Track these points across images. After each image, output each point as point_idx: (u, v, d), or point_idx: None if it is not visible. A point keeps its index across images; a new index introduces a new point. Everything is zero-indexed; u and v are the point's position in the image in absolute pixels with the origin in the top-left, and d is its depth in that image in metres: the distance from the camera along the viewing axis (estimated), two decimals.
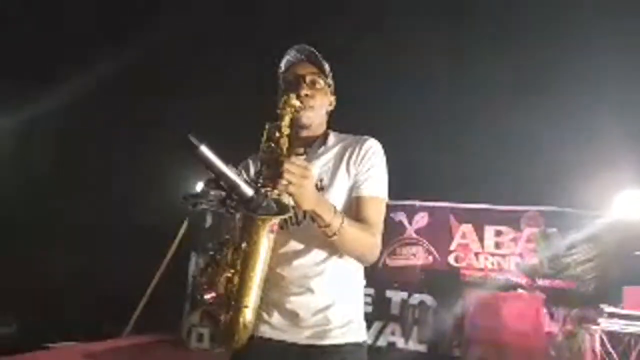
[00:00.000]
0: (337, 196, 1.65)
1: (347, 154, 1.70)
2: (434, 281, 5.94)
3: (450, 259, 6.09)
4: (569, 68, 5.41)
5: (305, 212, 1.57)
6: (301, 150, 1.72)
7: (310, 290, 1.62)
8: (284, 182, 1.35)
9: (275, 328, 1.62)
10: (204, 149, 1.23)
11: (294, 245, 1.63)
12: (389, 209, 5.44)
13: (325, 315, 1.61)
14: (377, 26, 5.53)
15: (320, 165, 1.69)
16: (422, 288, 5.91)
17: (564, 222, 5.82)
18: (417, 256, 6.17)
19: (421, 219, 6.23)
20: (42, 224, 6.02)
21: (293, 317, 1.61)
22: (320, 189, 1.65)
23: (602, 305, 4.90)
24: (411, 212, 6.25)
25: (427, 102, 5.79)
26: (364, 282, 1.75)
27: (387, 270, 6.10)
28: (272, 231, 1.37)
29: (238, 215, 1.38)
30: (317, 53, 1.72)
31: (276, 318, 1.62)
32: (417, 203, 6.24)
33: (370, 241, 1.61)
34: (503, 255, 5.98)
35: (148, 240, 5.85)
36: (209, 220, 6.37)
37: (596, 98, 5.31)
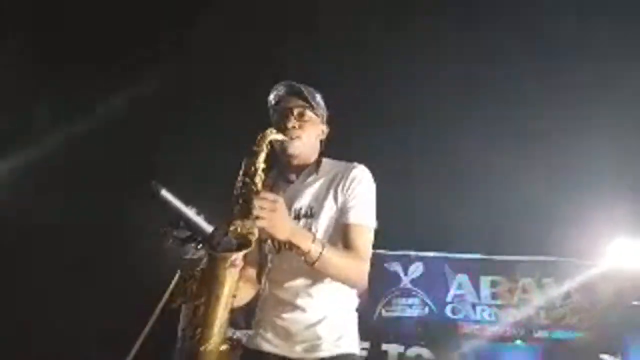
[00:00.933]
0: (326, 223, 1.73)
1: (335, 181, 1.77)
2: (431, 334, 5.83)
3: (447, 311, 6.00)
4: (561, 119, 5.51)
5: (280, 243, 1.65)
6: (293, 177, 1.82)
7: (300, 308, 1.70)
8: (253, 216, 1.41)
9: (271, 343, 1.72)
10: (164, 193, 1.34)
11: (287, 266, 1.72)
12: (384, 259, 5.39)
13: (315, 331, 1.68)
14: (376, 80, 5.63)
15: (310, 193, 1.78)
16: (419, 341, 5.80)
17: (560, 271, 5.80)
18: (413, 307, 6.08)
19: (416, 269, 6.17)
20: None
21: (286, 333, 1.70)
22: (310, 216, 1.74)
23: (602, 356, 4.82)
24: (406, 263, 6.19)
25: (422, 153, 5.85)
26: (356, 300, 1.81)
27: (382, 321, 5.99)
28: (234, 265, 1.41)
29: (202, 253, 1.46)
30: (304, 87, 1.81)
31: (271, 334, 1.72)
32: (412, 253, 6.20)
33: (354, 267, 1.67)
34: (500, 306, 5.90)
35: (138, 293, 5.75)
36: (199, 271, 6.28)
37: (589, 148, 5.39)
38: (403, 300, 6.10)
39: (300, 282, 1.72)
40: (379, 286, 5.91)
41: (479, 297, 5.97)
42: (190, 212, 1.34)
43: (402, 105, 5.28)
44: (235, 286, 1.45)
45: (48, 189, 5.88)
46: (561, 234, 5.54)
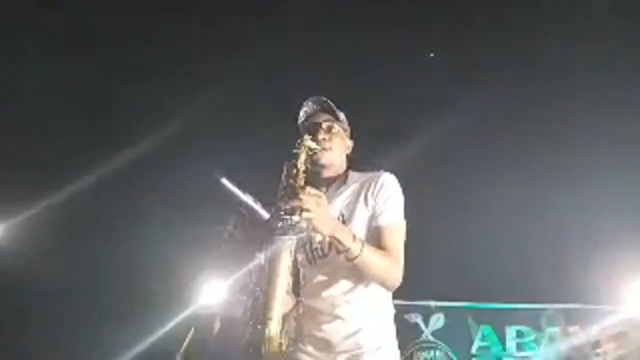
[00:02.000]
0: (358, 228, 1.76)
1: (364, 188, 1.83)
2: None
3: None
4: (582, 165, 5.48)
5: (330, 245, 1.71)
6: (323, 189, 1.86)
7: (339, 317, 1.73)
8: (300, 208, 1.49)
9: (312, 356, 1.74)
10: (226, 182, 1.41)
11: (322, 277, 1.77)
12: (404, 310, 5.23)
13: (355, 340, 1.70)
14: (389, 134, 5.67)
15: (340, 201, 1.84)
16: None
17: (586, 319, 5.59)
18: None
19: (438, 321, 5.98)
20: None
21: (326, 344, 1.73)
22: (342, 222, 1.77)
23: None
24: (427, 314, 6.00)
25: (441, 201, 5.80)
26: (393, 311, 1.85)
27: None
28: (291, 252, 1.51)
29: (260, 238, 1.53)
30: (331, 103, 1.91)
31: (311, 347, 1.74)
32: (433, 303, 6.02)
33: (391, 266, 1.71)
34: (527, 358, 5.67)
35: (153, 348, 5.65)
36: (217, 326, 6.17)
37: (614, 193, 5.34)
38: (425, 354, 5.87)
39: (336, 291, 1.75)
40: (399, 339, 5.70)
41: (504, 348, 5.75)
42: (250, 200, 1.46)
43: (420, 153, 5.28)
44: (289, 269, 1.52)
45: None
46: (585, 280, 5.42)
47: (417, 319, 5.99)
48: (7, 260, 5.79)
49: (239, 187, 1.34)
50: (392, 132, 5.67)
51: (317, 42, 5.61)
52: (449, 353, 5.83)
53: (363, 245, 1.63)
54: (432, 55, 5.77)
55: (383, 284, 1.75)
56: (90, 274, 6.00)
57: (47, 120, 5.97)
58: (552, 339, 5.70)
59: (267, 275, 1.51)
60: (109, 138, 6.07)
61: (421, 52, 5.79)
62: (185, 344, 5.97)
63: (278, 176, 1.70)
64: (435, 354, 5.84)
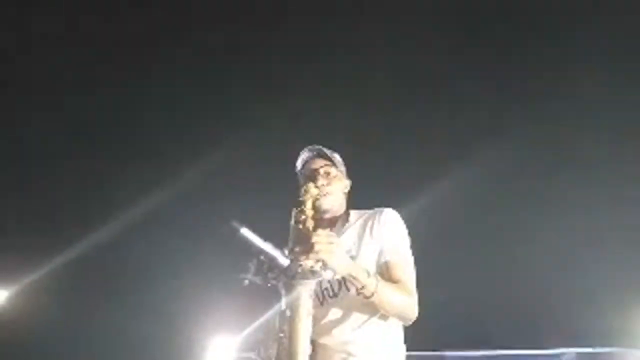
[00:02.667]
0: (366, 264, 1.75)
1: (369, 224, 1.86)
2: None
3: None
4: (597, 208, 5.48)
5: (340, 284, 1.74)
6: (327, 230, 1.84)
7: (351, 354, 1.71)
8: (314, 251, 1.50)
9: None
10: (245, 231, 1.46)
11: (333, 315, 1.76)
12: None
13: None
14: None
15: (346, 239, 1.84)
16: None
17: None
18: None
19: None
20: None
21: None
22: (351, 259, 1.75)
23: None
24: None
25: (449, 246, 5.78)
26: (404, 347, 1.83)
27: None
28: (311, 296, 1.50)
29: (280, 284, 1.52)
30: (325, 149, 1.99)
31: None
32: (448, 354, 5.89)
33: (407, 299, 1.72)
34: None
35: None
36: None
37: (630, 235, 5.32)
38: None
39: (347, 328, 1.74)
40: None
41: None
42: (269, 248, 1.50)
43: (431, 199, 5.31)
44: (310, 315, 1.51)
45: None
46: (601, 323, 5.32)
47: None
48: (10, 326, 5.73)
49: (259, 235, 1.35)
50: (403, 179, 5.72)
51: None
52: None
53: (378, 281, 1.64)
54: None
55: (401, 317, 1.77)
56: (95, 336, 5.92)
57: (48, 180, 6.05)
58: None
59: (290, 320, 1.50)
60: (110, 197, 6.14)
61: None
62: None
63: (286, 226, 1.72)
64: None
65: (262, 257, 1.49)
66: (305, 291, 1.50)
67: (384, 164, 5.86)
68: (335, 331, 1.75)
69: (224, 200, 5.88)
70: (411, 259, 1.84)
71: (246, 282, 1.51)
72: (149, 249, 6.11)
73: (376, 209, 1.92)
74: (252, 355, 6.26)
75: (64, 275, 5.66)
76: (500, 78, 5.69)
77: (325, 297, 1.80)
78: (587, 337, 5.59)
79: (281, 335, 1.52)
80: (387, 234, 1.83)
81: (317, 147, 2.00)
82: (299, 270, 1.50)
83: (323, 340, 1.75)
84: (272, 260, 1.50)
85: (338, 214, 1.97)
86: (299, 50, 5.89)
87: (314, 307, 1.72)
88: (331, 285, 1.79)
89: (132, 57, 5.82)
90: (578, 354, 5.62)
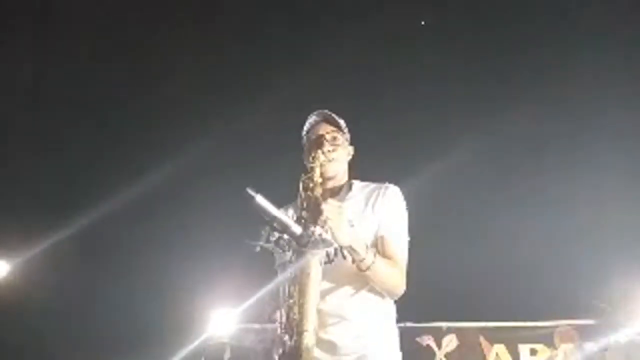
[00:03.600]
0: (364, 236, 1.77)
1: (372, 198, 1.88)
2: None
3: None
4: (590, 180, 5.50)
5: (336, 250, 1.75)
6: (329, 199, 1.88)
7: (345, 318, 1.74)
8: (323, 219, 1.54)
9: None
10: (260, 199, 1.48)
11: (328, 282, 1.75)
12: (415, 332, 5.18)
13: (363, 342, 1.72)
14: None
15: (347, 210, 1.81)
16: None
17: (600, 334, 5.51)
18: None
19: (450, 342, 5.90)
20: None
21: (332, 347, 1.72)
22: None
23: None
24: (439, 335, 5.92)
25: (448, 220, 5.81)
26: (395, 316, 1.87)
27: None
28: (320, 263, 1.56)
29: (290, 253, 1.58)
30: (332, 114, 1.99)
31: (317, 352, 1.65)
32: (444, 325, 5.95)
33: (398, 276, 1.78)
34: None
35: None
36: (227, 355, 6.12)
37: (625, 207, 5.34)
38: None
39: (342, 294, 1.77)
40: None
41: None
42: (282, 216, 1.52)
43: (429, 173, 5.31)
44: (319, 282, 1.57)
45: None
46: (598, 295, 5.37)
47: (429, 341, 5.92)
48: (11, 297, 5.79)
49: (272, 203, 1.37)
50: (401, 152, 5.72)
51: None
52: None
53: (375, 256, 1.69)
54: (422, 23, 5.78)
55: (389, 292, 1.81)
56: (96, 307, 5.99)
57: (50, 150, 6.05)
58: (567, 356, 5.61)
59: (300, 287, 1.54)
60: (114, 167, 6.14)
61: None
62: None
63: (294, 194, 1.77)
64: None
65: (275, 225, 1.51)
66: (316, 259, 1.55)
67: (383, 136, 5.85)
68: (329, 296, 1.76)
69: (225, 174, 5.90)
70: (406, 238, 1.88)
71: (258, 248, 1.53)
72: (150, 223, 6.15)
73: (380, 184, 1.94)
74: (255, 325, 6.37)
75: (64, 250, 5.71)
76: (495, 57, 5.68)
77: (320, 262, 1.77)
78: (580, 309, 5.65)
79: (291, 301, 1.56)
80: (388, 210, 1.86)
81: (324, 111, 2.00)
82: (311, 239, 1.51)
83: (319, 304, 1.70)
84: (285, 228, 1.52)
85: (341, 181, 1.98)
86: (305, 16, 5.84)
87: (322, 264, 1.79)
88: (327, 252, 1.78)
89: (136, 28, 5.77)
90: (571, 325, 5.71)
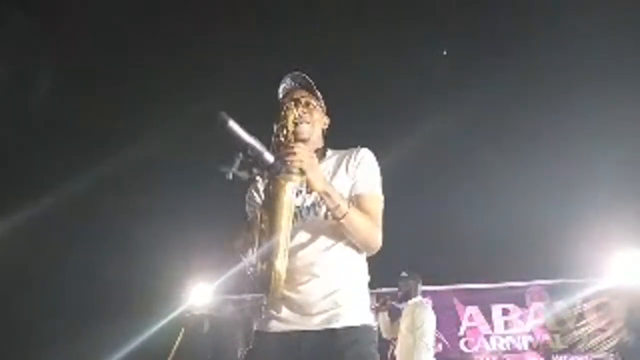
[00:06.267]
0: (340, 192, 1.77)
1: (344, 160, 1.86)
2: None
3: (461, 345, 5.85)
4: (558, 142, 5.57)
5: (308, 209, 1.76)
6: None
7: (316, 275, 1.70)
8: (296, 157, 1.53)
9: (285, 321, 1.69)
10: (233, 124, 1.44)
11: (299, 239, 1.73)
12: (390, 296, 5.18)
13: (333, 299, 1.68)
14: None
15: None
16: None
17: (569, 293, 5.71)
18: None
19: None
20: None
21: (303, 306, 1.68)
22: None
23: None
24: None
25: (421, 184, 5.86)
26: (368, 277, 1.83)
27: None
28: (293, 192, 1.57)
29: (260, 181, 1.59)
30: (309, 79, 1.94)
31: (285, 312, 1.70)
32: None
33: (373, 228, 1.75)
34: (514, 335, 5.77)
35: (142, 349, 5.63)
36: (206, 326, 6.18)
37: (589, 168, 5.41)
38: None
39: (313, 251, 1.73)
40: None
41: (491, 327, 5.84)
42: (255, 142, 1.49)
43: (403, 140, 5.31)
44: (291, 211, 1.58)
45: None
46: (565, 255, 5.50)
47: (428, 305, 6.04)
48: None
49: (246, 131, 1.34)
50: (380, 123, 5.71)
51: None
52: (439, 336, 5.91)
53: (349, 205, 1.67)
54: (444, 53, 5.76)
55: (366, 245, 1.77)
56: (78, 276, 5.94)
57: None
58: (537, 315, 5.80)
59: (271, 212, 1.54)
60: (94, 139, 6.02)
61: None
62: (175, 345, 5.96)
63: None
64: None
65: (248, 152, 1.47)
66: (290, 187, 1.55)
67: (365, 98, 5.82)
68: (300, 253, 1.72)
69: (205, 148, 5.82)
70: (381, 197, 1.84)
71: (230, 176, 1.47)
72: (130, 196, 6.08)
73: (352, 148, 1.91)
74: (233, 296, 6.42)
75: (45, 223, 5.62)
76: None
77: (292, 221, 1.74)
78: (549, 269, 5.81)
79: (263, 226, 1.57)
80: (361, 171, 1.83)
81: (300, 75, 1.94)
82: (283, 169, 1.51)
83: (291, 263, 1.69)
84: (258, 155, 1.48)
85: (315, 148, 1.91)
86: None
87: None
88: (300, 211, 1.77)
89: None
90: (541, 285, 5.89)
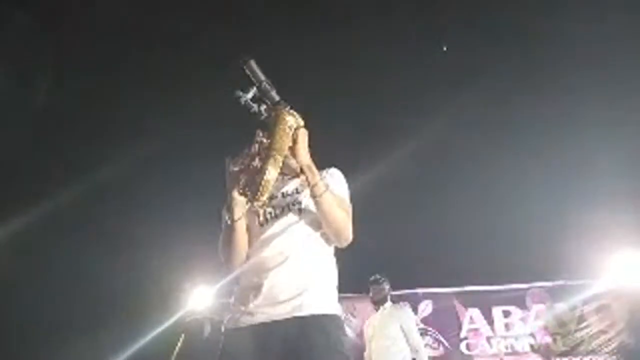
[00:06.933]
0: (311, 201, 1.87)
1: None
2: None
3: (462, 347, 5.85)
4: (555, 146, 5.57)
5: (283, 209, 1.88)
6: (287, 176, 2.00)
7: (285, 263, 1.77)
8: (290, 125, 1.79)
9: (255, 313, 1.73)
10: (253, 63, 1.82)
11: (273, 231, 1.85)
12: (392, 299, 5.19)
13: (302, 289, 1.74)
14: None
15: (296, 181, 1.96)
16: None
17: (570, 294, 5.70)
18: (427, 348, 5.90)
19: (426, 307, 6.05)
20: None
21: (272, 294, 1.74)
22: (297, 193, 1.94)
23: None
24: (415, 301, 6.07)
25: (420, 186, 5.85)
26: (336, 271, 1.91)
27: None
28: (290, 127, 1.80)
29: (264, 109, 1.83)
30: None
31: (254, 303, 1.74)
32: (420, 291, 6.09)
33: (346, 217, 1.87)
34: (515, 337, 5.76)
35: (143, 354, 5.61)
36: (207, 331, 6.16)
37: (587, 171, 5.41)
38: None
39: (285, 241, 1.82)
40: None
41: (492, 329, 5.83)
42: (267, 81, 1.84)
43: (400, 144, 5.31)
44: (288, 138, 1.79)
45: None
46: (566, 257, 5.50)
47: (406, 307, 6.05)
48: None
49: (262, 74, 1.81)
50: (375, 128, 5.70)
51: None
52: (439, 338, 5.91)
53: (327, 187, 1.82)
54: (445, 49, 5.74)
55: (338, 232, 1.85)
56: (79, 280, 5.91)
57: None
58: (538, 317, 5.79)
59: (271, 132, 1.77)
60: (91, 143, 6.01)
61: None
62: (176, 351, 5.94)
63: None
64: (425, 340, 5.91)
65: (261, 86, 1.81)
66: (287, 114, 1.80)
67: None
68: (273, 242, 1.81)
69: (205, 151, 5.82)
70: (351, 205, 1.96)
71: (242, 101, 1.80)
72: (130, 200, 6.06)
73: (324, 170, 2.02)
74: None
75: (41, 226, 5.59)
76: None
77: (267, 219, 1.89)
78: (550, 271, 5.81)
79: (264, 141, 1.79)
80: (332, 182, 1.94)
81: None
82: (285, 104, 1.82)
83: (260, 252, 1.82)
84: (267, 91, 1.82)
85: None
86: None
87: (254, 229, 1.90)
88: (274, 209, 1.89)
89: None
90: (542, 287, 5.89)
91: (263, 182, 1.68)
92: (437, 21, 5.52)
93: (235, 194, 1.77)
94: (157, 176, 6.10)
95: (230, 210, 1.80)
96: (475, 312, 5.92)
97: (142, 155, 5.58)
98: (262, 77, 1.81)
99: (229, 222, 1.81)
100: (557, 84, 5.53)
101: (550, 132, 5.68)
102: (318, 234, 1.87)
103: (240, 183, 1.77)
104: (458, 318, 5.95)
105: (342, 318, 1.84)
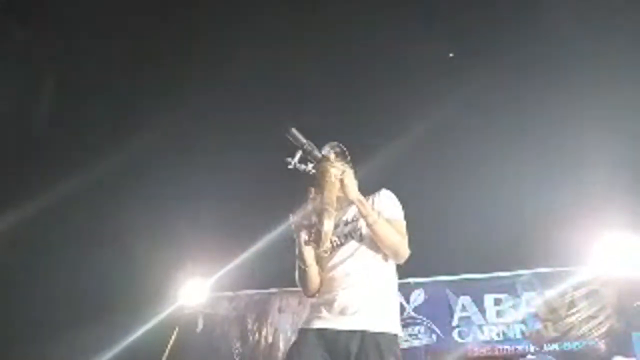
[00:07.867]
0: (366, 227, 2.19)
1: (369, 201, 2.26)
2: None
3: (454, 335, 5.89)
4: (541, 133, 5.62)
5: (346, 236, 2.23)
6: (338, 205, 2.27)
7: (353, 285, 2.12)
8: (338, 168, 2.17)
9: (326, 320, 2.11)
10: (295, 130, 2.10)
11: (339, 257, 2.21)
12: None
13: (366, 307, 2.08)
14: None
15: (352, 210, 2.30)
16: None
17: (560, 281, 5.76)
18: (419, 336, 5.96)
19: (418, 297, 6.09)
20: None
21: (340, 309, 2.10)
22: (355, 221, 2.25)
23: (615, 358, 4.77)
24: (407, 291, 6.11)
25: (409, 176, 5.89)
26: (396, 287, 2.29)
27: None
28: (336, 178, 2.14)
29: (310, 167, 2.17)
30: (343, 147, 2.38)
31: (326, 313, 2.12)
32: (412, 280, 6.13)
33: (399, 238, 2.18)
34: (507, 324, 5.81)
35: (135, 348, 5.60)
36: (200, 325, 6.16)
37: (574, 158, 5.47)
38: (409, 330, 5.98)
39: (350, 266, 2.17)
40: None
41: (484, 317, 5.88)
42: (309, 143, 2.13)
43: (398, 136, 5.35)
44: (336, 188, 2.13)
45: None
46: (555, 244, 5.55)
47: (399, 297, 6.09)
48: None
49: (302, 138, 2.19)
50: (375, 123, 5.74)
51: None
52: (432, 326, 5.95)
53: (379, 215, 2.12)
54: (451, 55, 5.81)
55: (395, 251, 2.18)
56: (71, 274, 5.89)
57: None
58: (529, 304, 5.85)
59: (320, 185, 2.10)
60: (85, 136, 5.99)
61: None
62: (169, 344, 5.94)
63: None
64: (418, 329, 5.96)
65: (304, 148, 2.10)
66: (330, 166, 2.11)
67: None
68: (340, 267, 2.17)
69: (197, 145, 5.85)
70: (404, 221, 2.28)
71: (290, 166, 2.09)
72: (124, 193, 6.05)
73: (374, 193, 2.33)
74: (228, 293, 6.36)
75: (33, 221, 5.57)
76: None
77: (334, 246, 2.23)
78: (541, 257, 5.86)
79: (315, 196, 2.12)
80: (385, 204, 2.26)
81: (337, 145, 2.33)
82: (329, 160, 2.15)
83: (331, 274, 2.18)
84: (310, 151, 2.12)
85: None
86: None
87: (323, 256, 2.26)
88: (339, 238, 2.24)
89: None
90: (534, 274, 5.95)
91: (323, 235, 2.00)
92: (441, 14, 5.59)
93: (303, 244, 2.13)
94: (151, 169, 6.10)
95: (301, 258, 2.18)
96: (466, 300, 5.96)
97: (133, 147, 5.59)
98: (304, 141, 2.11)
99: (302, 267, 2.19)
100: (546, 73, 5.60)
101: (536, 121, 5.75)
102: (379, 255, 2.19)
103: (305, 235, 2.11)
104: (450, 307, 5.99)
105: (399, 339, 2.15)
